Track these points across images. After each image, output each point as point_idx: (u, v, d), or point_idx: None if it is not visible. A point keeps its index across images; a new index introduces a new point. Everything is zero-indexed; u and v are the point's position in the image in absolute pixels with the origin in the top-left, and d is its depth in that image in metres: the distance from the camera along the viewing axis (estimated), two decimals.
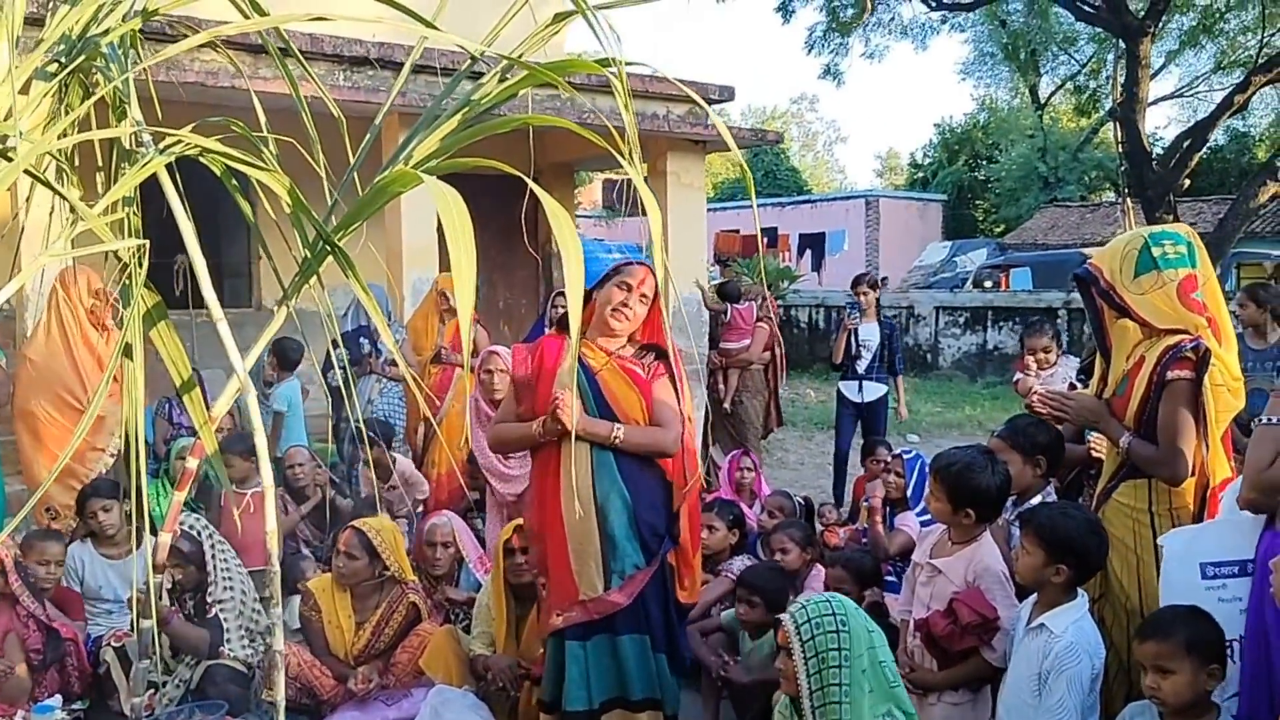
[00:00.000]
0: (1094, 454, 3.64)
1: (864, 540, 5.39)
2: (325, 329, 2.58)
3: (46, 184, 2.38)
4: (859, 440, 7.79)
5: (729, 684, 4.05)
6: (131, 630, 4.08)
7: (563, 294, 7.50)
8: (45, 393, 4.92)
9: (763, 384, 8.50)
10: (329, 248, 2.52)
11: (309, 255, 2.62)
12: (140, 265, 2.46)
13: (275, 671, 2.11)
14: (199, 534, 4.19)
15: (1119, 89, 16.49)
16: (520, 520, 4.20)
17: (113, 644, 4.12)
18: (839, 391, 8.17)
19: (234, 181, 2.59)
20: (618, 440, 3.37)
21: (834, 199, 30.70)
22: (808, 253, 27.84)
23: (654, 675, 3.46)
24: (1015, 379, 5.24)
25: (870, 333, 7.99)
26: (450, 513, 5.05)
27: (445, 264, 7.96)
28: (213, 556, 4.18)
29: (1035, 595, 2.82)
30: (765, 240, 22.45)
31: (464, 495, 6.24)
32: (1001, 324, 16.24)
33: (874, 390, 7.98)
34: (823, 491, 8.15)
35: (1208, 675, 2.39)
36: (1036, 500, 3.31)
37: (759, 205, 22.89)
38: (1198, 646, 2.38)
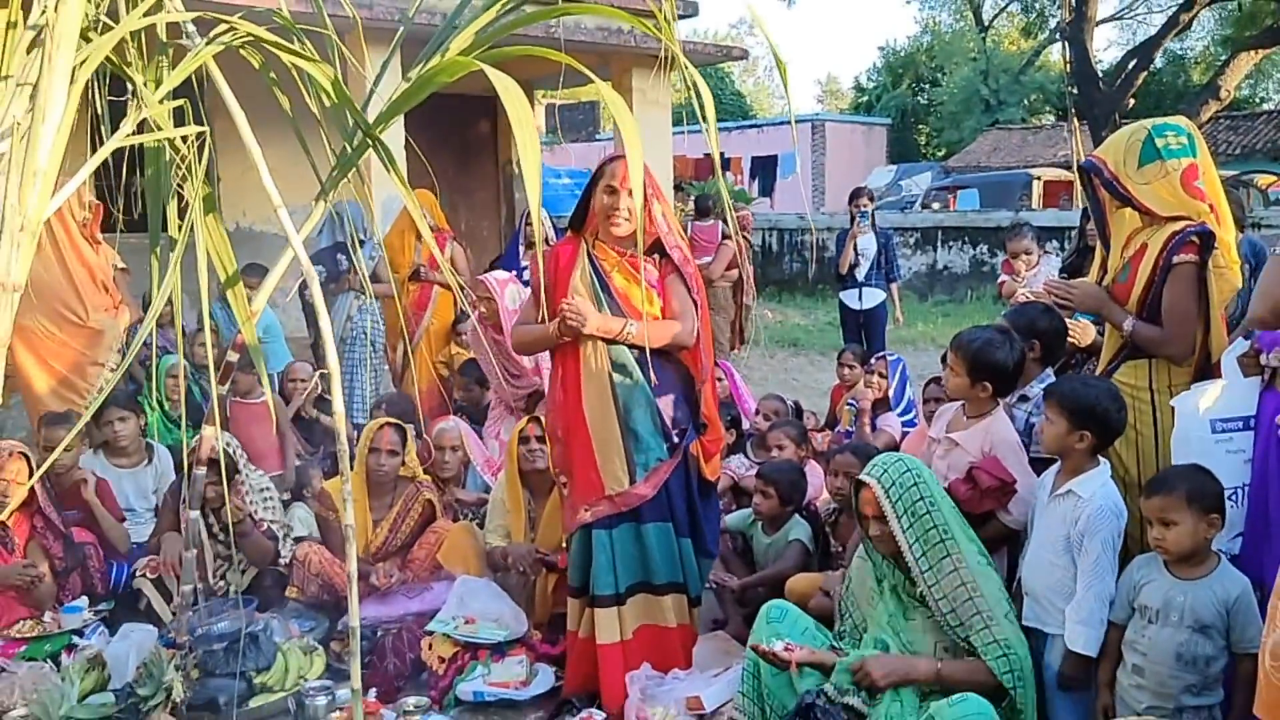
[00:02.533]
0: (1071, 341, 3.82)
1: (846, 442, 5.61)
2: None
3: (119, 69, 2.41)
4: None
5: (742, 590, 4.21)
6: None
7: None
8: (41, 307, 4.89)
9: (728, 302, 8.71)
10: (368, 140, 2.58)
11: (349, 148, 2.68)
12: (199, 158, 2.50)
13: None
14: (232, 450, 4.29)
15: (1069, 8, 16.65)
16: (536, 414, 4.32)
17: (148, 574, 4.19)
18: (840, 301, 8.73)
19: (272, 75, 2.63)
20: (630, 336, 3.48)
21: (780, 123, 30.68)
22: (759, 176, 27.90)
23: (677, 561, 3.62)
24: (1000, 281, 5.44)
25: (868, 243, 8.43)
26: (457, 418, 5.14)
27: (417, 181, 7.94)
28: (244, 469, 4.29)
29: (1059, 464, 3.00)
30: (719, 164, 22.43)
31: (446, 411, 6.34)
32: (951, 244, 16.52)
33: (873, 297, 8.49)
34: (813, 405, 8.40)
35: (1207, 525, 2.59)
36: (1034, 386, 3.51)
37: (707, 130, 22.79)
38: (1198, 499, 2.58)
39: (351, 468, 4.84)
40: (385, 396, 6.02)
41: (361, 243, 7.14)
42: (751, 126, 30.20)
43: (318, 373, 6.10)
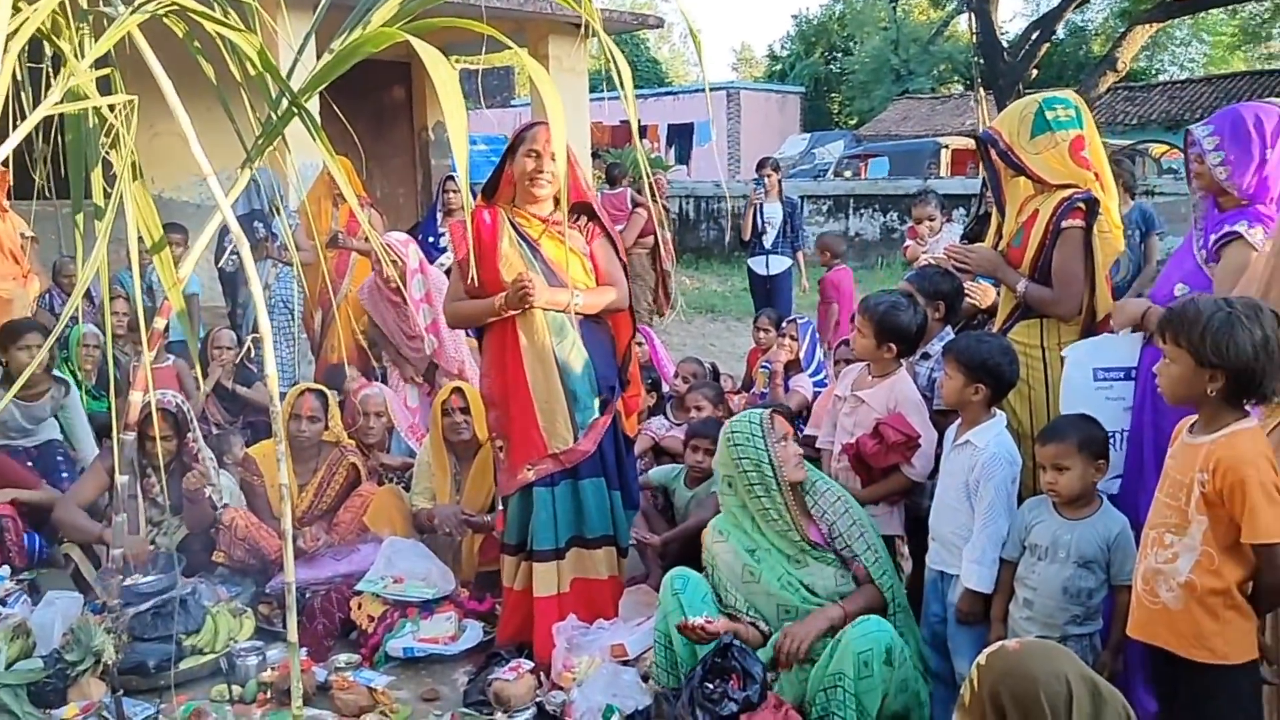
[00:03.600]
0: (971, 302, 4.03)
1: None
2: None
3: (47, 37, 2.42)
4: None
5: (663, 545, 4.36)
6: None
7: (453, 177, 7.55)
8: None
9: (645, 269, 8.90)
10: (293, 109, 2.64)
11: (274, 116, 2.73)
12: (128, 128, 2.53)
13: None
14: (177, 404, 4.29)
15: None
16: (457, 384, 4.40)
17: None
18: (748, 268, 9.02)
19: (196, 44, 2.66)
20: (577, 306, 3.59)
21: (696, 91, 30.76)
22: (676, 144, 27.99)
23: (609, 514, 3.75)
24: (905, 245, 5.65)
25: (774, 211, 8.74)
26: (381, 384, 5.20)
27: (333, 148, 7.86)
28: (192, 425, 4.30)
29: (960, 418, 3.20)
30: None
31: (369, 373, 6.36)
32: (862, 211, 16.87)
33: (778, 264, 8.81)
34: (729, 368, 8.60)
35: (1095, 470, 2.81)
36: (934, 344, 3.72)
37: (617, 97, 22.77)
38: (1087, 445, 2.79)
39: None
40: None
41: (279, 210, 7.09)
42: (667, 94, 30.26)
43: (250, 338, 6.08)
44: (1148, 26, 17.06)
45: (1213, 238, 2.92)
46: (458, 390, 4.29)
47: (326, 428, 4.53)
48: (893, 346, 3.51)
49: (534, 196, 3.63)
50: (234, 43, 2.50)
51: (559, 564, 3.68)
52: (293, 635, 2.67)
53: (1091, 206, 3.33)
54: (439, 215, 7.52)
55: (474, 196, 7.46)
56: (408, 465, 4.80)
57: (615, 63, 2.40)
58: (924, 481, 3.43)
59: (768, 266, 8.88)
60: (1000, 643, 1.88)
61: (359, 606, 4.00)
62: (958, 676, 3.05)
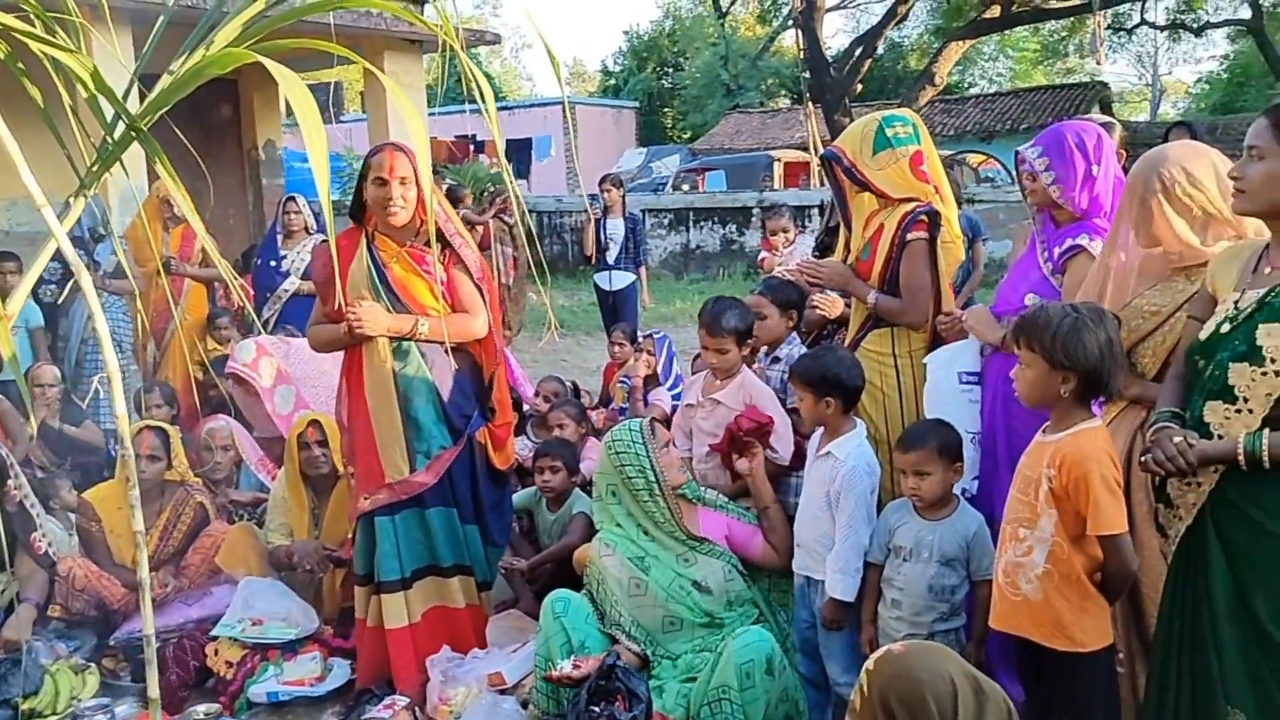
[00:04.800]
0: (820, 313, 4.17)
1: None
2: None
3: None
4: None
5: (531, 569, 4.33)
6: None
7: (293, 198, 7.32)
8: None
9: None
10: (133, 133, 2.51)
11: (110, 142, 2.60)
12: None
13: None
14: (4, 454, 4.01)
15: None
16: (314, 415, 4.26)
17: None
18: (595, 283, 9.17)
19: (19, 65, 2.50)
20: (421, 334, 3.52)
21: (531, 105, 30.80)
22: (514, 159, 27.88)
23: (463, 544, 3.69)
24: (761, 258, 5.79)
25: (616, 227, 8.87)
26: (227, 417, 4.97)
27: (155, 171, 7.51)
28: (14, 471, 4.00)
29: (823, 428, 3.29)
30: (473, 147, 22.27)
31: (198, 407, 6.10)
32: (702, 224, 17.17)
33: (621, 279, 8.95)
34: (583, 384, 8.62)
35: (954, 472, 2.94)
36: (784, 349, 3.85)
37: (456, 112, 22.63)
38: (947, 450, 2.91)
39: (110, 475, 4.62)
40: (154, 384, 5.72)
41: (101, 238, 6.72)
42: (503, 109, 30.12)
43: (97, 377, 5.73)
44: (961, 43, 18.03)
45: (1057, 251, 3.09)
46: (315, 423, 4.15)
47: (169, 466, 4.30)
48: (747, 345, 3.72)
49: (389, 222, 3.55)
50: (63, 64, 2.36)
51: (406, 594, 3.61)
52: (154, 690, 2.53)
53: (934, 219, 3.50)
54: (279, 238, 7.25)
55: (315, 216, 7.29)
56: (260, 500, 4.61)
57: (478, 81, 2.38)
58: (790, 479, 3.56)
59: (611, 282, 9.07)
60: (886, 647, 1.95)
61: (215, 652, 3.82)
62: (830, 681, 3.14)
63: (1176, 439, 2.20)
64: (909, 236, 3.48)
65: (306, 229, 7.09)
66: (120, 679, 3.84)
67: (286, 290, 6.87)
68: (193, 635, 3.91)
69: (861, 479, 3.08)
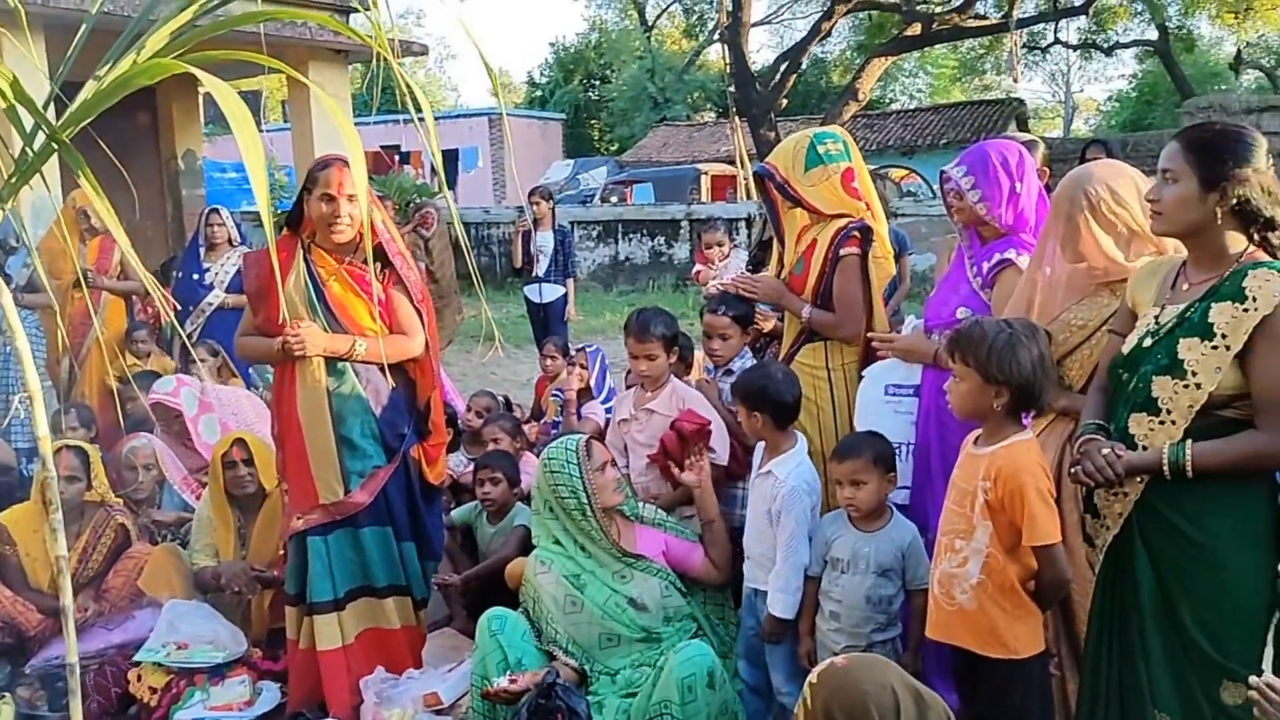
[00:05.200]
0: (760, 328, 4.22)
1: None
2: None
3: None
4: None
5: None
6: None
7: (216, 210, 7.18)
8: None
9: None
10: (55, 145, 2.45)
11: (30, 153, 2.52)
12: None
13: None
14: None
15: (726, 12, 17.83)
16: (239, 434, 4.17)
17: None
18: (525, 296, 9.19)
19: None
20: (359, 355, 3.47)
21: (457, 116, 30.63)
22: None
23: (398, 564, 3.64)
24: (695, 270, 5.82)
25: (545, 239, 8.86)
26: (150, 435, 4.84)
27: (72, 180, 7.32)
28: None
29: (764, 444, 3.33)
30: (398, 158, 22.05)
31: (118, 423, 5.93)
32: (631, 236, 17.20)
33: (551, 291, 8.95)
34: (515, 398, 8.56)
35: (888, 482, 2.98)
36: (737, 362, 3.88)
37: (380, 122, 22.41)
38: (881, 460, 2.96)
39: (23, 496, 4.46)
40: (71, 404, 5.54)
41: (13, 250, 6.51)
42: (421, 119, 29.82)
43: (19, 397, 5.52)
44: (883, 59, 18.38)
45: (985, 266, 3.16)
46: (239, 441, 4.05)
47: (89, 486, 4.17)
48: (675, 352, 3.79)
49: (333, 240, 3.50)
50: None
51: (339, 615, 3.55)
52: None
53: (866, 234, 3.56)
54: (201, 250, 7.10)
55: (239, 229, 7.14)
56: (183, 520, 4.49)
57: (413, 93, 2.36)
58: (736, 491, 3.61)
59: (541, 294, 9.06)
60: (828, 660, 1.97)
61: (139, 678, 3.71)
62: (774, 689, 3.17)
63: (1104, 451, 2.27)
64: (842, 252, 3.54)
65: (230, 241, 6.96)
66: (37, 709, 3.71)
67: (210, 304, 6.73)
68: (114, 661, 3.79)
69: (801, 499, 3.12)
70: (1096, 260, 2.66)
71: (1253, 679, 1.91)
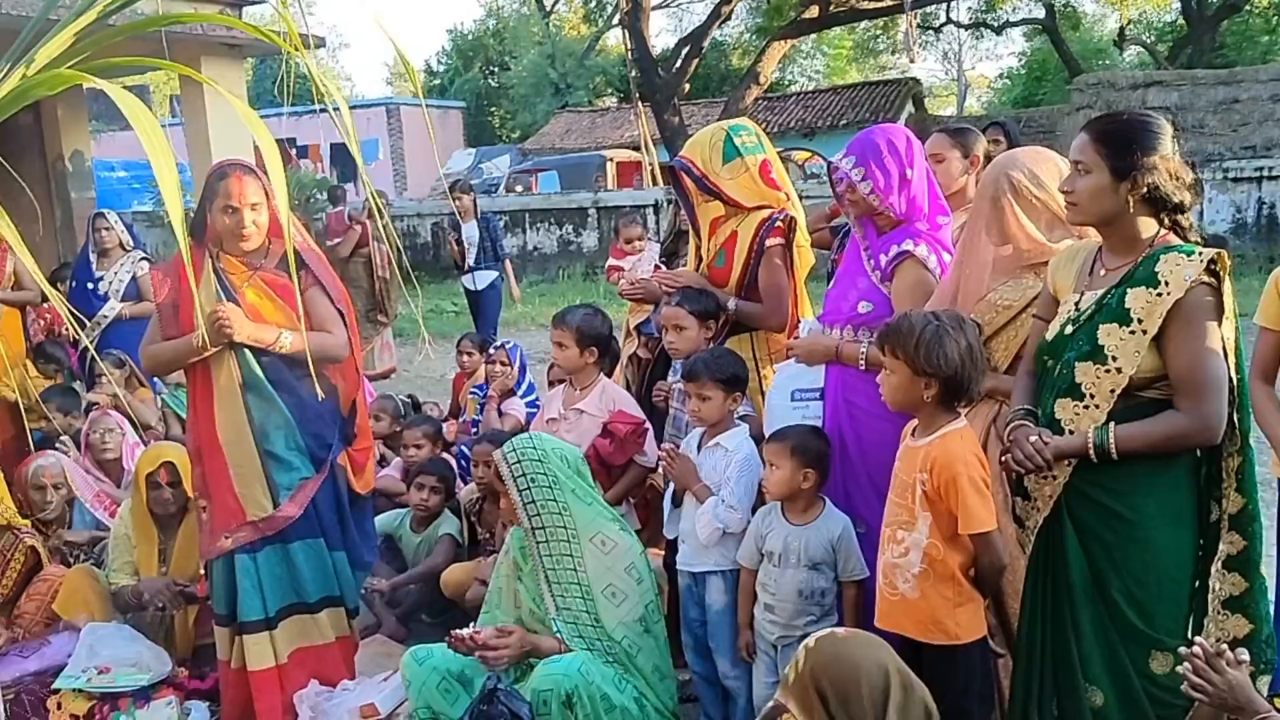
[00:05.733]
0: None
1: (473, 430, 5.76)
2: None
3: None
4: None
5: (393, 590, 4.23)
6: None
7: (102, 214, 6.92)
8: None
9: (362, 276, 9.60)
10: None
11: None
12: None
13: None
14: None
15: None
16: (165, 455, 4.01)
17: None
18: (462, 285, 9.65)
19: None
20: (284, 346, 3.36)
21: (354, 107, 29.98)
22: (339, 163, 27.10)
23: (331, 575, 3.56)
24: (608, 265, 5.80)
25: (471, 231, 9.24)
26: (56, 452, 4.65)
27: None
28: None
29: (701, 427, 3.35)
30: (294, 152, 21.52)
31: (23, 446, 5.70)
32: (539, 225, 17.14)
33: (484, 278, 9.37)
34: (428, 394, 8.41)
35: (803, 477, 2.97)
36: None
37: (274, 115, 21.82)
38: (799, 451, 2.96)
39: None
40: None
41: None
42: (323, 110, 29.14)
43: None
44: (783, 42, 18.56)
45: (883, 258, 3.14)
46: (167, 464, 3.88)
47: None
48: (594, 351, 3.74)
49: (241, 248, 3.40)
50: None
51: (271, 634, 3.46)
52: None
53: (791, 224, 3.59)
54: (92, 257, 6.83)
55: (130, 231, 6.89)
56: (98, 539, 4.33)
57: (326, 87, 2.31)
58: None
59: (475, 282, 9.41)
60: (831, 629, 2.02)
61: (59, 706, 3.55)
62: (720, 675, 3.21)
63: (1033, 438, 2.33)
64: (768, 243, 3.56)
65: (121, 245, 6.71)
66: None
67: (106, 316, 6.48)
68: (31, 689, 3.62)
69: (753, 469, 3.16)
70: (1021, 242, 2.73)
71: (1183, 649, 1.99)
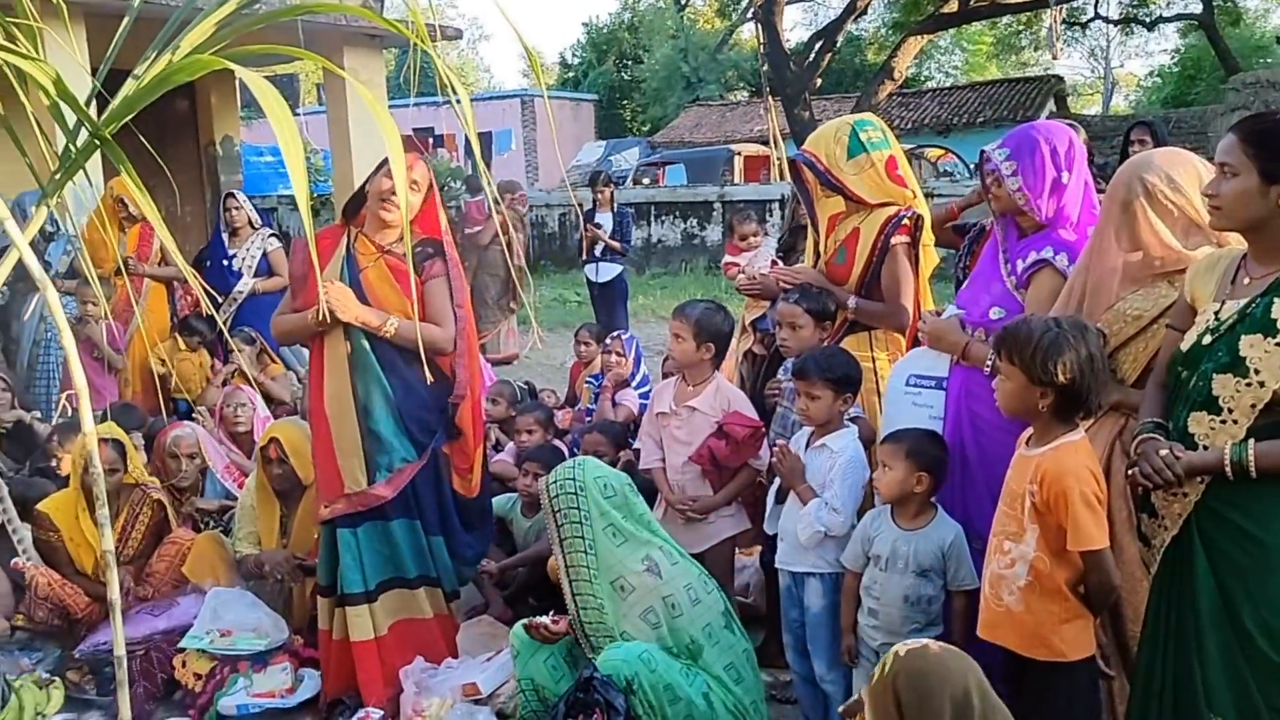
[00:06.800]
0: None
1: (587, 419, 5.80)
2: None
3: None
4: None
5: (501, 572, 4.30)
6: None
7: (232, 194, 7.24)
8: None
9: (499, 264, 9.69)
10: (97, 141, 2.45)
11: (73, 149, 2.53)
12: None
13: None
14: None
15: None
16: (275, 431, 4.16)
17: None
18: (585, 275, 9.58)
19: None
20: (389, 333, 3.45)
21: (490, 98, 30.61)
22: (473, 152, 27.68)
23: (428, 555, 3.63)
24: (725, 261, 5.75)
25: (605, 220, 9.27)
26: (192, 423, 4.88)
27: (112, 167, 7.38)
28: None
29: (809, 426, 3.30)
30: (432, 141, 22.07)
31: (159, 411, 5.99)
32: (664, 218, 17.13)
33: (608, 270, 9.29)
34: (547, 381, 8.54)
35: (916, 480, 2.89)
36: None
37: (413, 105, 22.41)
38: (914, 454, 2.88)
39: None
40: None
41: (51, 237, 6.58)
42: (448, 103, 29.81)
43: (65, 395, 5.61)
44: (919, 37, 18.14)
45: (1020, 265, 3.00)
46: (274, 440, 4.03)
47: (125, 471, 4.21)
48: (711, 347, 3.65)
49: (382, 221, 3.49)
50: (22, 70, 2.30)
51: (371, 607, 3.56)
52: (125, 712, 2.47)
53: (918, 222, 3.50)
54: (225, 236, 7.16)
55: (261, 214, 7.19)
56: (226, 508, 4.53)
57: (451, 81, 2.35)
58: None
59: (598, 274, 9.36)
60: (925, 641, 1.98)
61: (183, 664, 3.74)
62: (818, 678, 3.16)
63: (1163, 451, 2.21)
64: (893, 241, 3.48)
65: (250, 223, 7.03)
66: (86, 692, 3.76)
67: (241, 291, 6.77)
68: (160, 647, 3.82)
69: (857, 471, 3.11)
70: (1154, 249, 2.57)
71: None
